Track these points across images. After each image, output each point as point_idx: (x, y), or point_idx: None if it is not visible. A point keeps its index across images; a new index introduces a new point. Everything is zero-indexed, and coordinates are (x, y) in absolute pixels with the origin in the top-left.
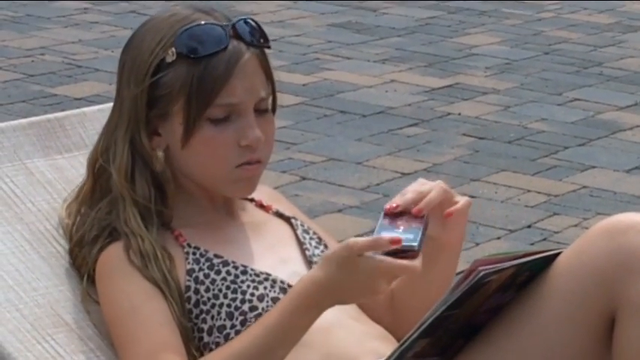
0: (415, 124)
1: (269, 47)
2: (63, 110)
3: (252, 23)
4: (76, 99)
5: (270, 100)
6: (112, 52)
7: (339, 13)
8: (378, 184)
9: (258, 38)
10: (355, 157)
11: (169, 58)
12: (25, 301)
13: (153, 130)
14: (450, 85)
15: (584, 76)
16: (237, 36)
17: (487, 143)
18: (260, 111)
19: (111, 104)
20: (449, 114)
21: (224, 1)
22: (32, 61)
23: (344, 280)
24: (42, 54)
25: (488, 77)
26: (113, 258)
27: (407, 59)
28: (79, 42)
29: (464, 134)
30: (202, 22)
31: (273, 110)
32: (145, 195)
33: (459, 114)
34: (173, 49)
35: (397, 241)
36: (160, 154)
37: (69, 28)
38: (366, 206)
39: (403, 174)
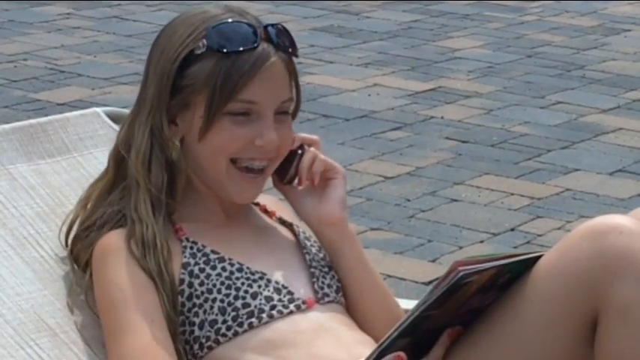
0: (398, 128)
1: (297, 55)
2: (46, 115)
3: (283, 29)
4: (59, 104)
5: (292, 105)
6: (95, 57)
7: (321, 17)
8: (361, 188)
9: (287, 44)
10: (338, 161)
11: (199, 50)
12: (8, 306)
13: (171, 119)
14: (432, 89)
15: (567, 79)
16: (268, 39)
17: (470, 146)
18: (281, 114)
19: (94, 109)
20: (432, 117)
21: (209, 5)
22: (15, 66)
23: None
24: (24, 59)
25: (470, 81)
26: (112, 244)
27: (390, 63)
28: (61, 47)
29: (447, 138)
30: (235, 20)
31: (293, 116)
32: (158, 183)
33: (442, 117)
34: (204, 41)
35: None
36: (177, 143)
37: (51, 33)
38: (349, 210)
39: (386, 178)
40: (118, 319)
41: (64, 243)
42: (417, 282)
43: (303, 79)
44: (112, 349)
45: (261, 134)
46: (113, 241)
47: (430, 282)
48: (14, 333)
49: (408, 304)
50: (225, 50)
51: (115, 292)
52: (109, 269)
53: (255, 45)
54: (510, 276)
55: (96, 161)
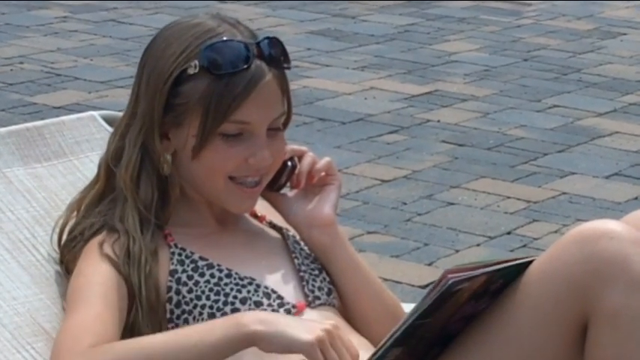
0: (394, 131)
1: (289, 68)
2: (42, 119)
3: (276, 41)
4: (55, 108)
5: (284, 118)
6: (91, 60)
7: (317, 20)
8: (357, 192)
9: (280, 59)
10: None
11: (191, 70)
12: (4, 310)
13: (163, 133)
14: (429, 92)
15: (563, 83)
16: (261, 56)
17: (466, 150)
18: (272, 130)
19: (90, 113)
20: (428, 121)
21: (204, 9)
22: (11, 69)
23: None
24: (21, 62)
25: (467, 84)
26: (97, 245)
27: (386, 66)
28: (58, 50)
29: (443, 141)
30: (228, 38)
31: (285, 126)
32: (147, 198)
33: (438, 121)
34: (196, 62)
35: None
36: (168, 157)
37: (48, 36)
38: (345, 214)
39: (383, 181)
40: (77, 297)
41: (56, 247)
42: (413, 285)
43: (299, 83)
44: (62, 323)
45: (254, 153)
46: (97, 243)
47: (426, 285)
48: (11, 337)
49: (404, 308)
50: (218, 72)
51: (88, 278)
52: (88, 262)
53: (249, 65)
54: (503, 282)
55: (92, 165)
